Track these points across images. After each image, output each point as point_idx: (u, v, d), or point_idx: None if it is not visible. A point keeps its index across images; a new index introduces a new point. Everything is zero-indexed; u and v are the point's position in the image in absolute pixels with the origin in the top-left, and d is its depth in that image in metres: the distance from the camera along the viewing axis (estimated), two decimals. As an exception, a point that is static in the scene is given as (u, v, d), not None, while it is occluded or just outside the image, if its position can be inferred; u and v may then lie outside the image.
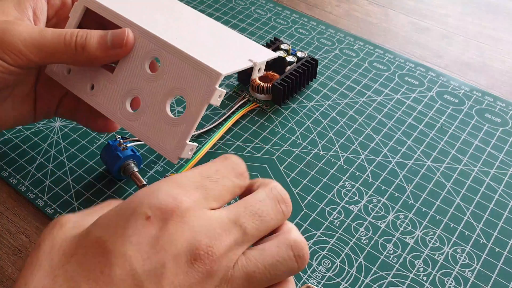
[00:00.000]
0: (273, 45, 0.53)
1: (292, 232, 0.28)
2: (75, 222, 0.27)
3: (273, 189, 0.29)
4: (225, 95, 0.46)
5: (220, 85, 0.34)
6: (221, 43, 0.41)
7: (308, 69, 0.51)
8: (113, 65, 0.40)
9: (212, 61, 0.35)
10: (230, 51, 0.40)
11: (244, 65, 0.39)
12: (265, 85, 0.51)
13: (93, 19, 0.40)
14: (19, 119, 0.41)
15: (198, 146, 0.35)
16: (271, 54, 0.43)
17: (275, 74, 0.52)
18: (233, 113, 0.50)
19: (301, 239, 0.28)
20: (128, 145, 0.43)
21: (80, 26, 0.40)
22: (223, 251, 0.25)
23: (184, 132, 0.35)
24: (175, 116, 0.35)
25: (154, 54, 0.36)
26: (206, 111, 0.47)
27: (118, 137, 0.44)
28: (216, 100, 0.34)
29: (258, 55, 0.41)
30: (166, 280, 0.24)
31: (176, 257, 0.24)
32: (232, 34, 0.43)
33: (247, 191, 0.29)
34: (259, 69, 0.41)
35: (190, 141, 0.35)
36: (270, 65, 0.53)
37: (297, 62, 0.52)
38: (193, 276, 0.24)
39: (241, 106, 0.51)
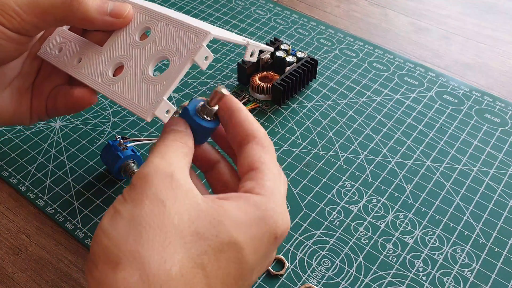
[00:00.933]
0: (273, 45, 0.53)
1: None
2: (172, 176, 0.28)
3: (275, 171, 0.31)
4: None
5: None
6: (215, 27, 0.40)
7: (308, 69, 0.52)
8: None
9: (203, 26, 0.34)
10: (224, 31, 0.39)
11: (237, 39, 0.37)
12: (265, 85, 0.51)
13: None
14: (16, 115, 0.40)
15: (176, 110, 0.33)
16: (265, 47, 0.41)
17: (275, 74, 0.52)
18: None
19: None
20: (128, 145, 0.43)
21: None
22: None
23: (163, 89, 0.33)
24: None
25: (146, 25, 0.36)
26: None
27: (118, 137, 0.44)
28: (202, 62, 0.33)
29: (248, 39, 0.39)
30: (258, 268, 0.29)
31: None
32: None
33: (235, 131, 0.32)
34: (251, 52, 0.39)
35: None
36: (270, 65, 0.53)
37: (297, 62, 0.52)
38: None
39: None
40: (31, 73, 0.40)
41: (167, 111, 0.33)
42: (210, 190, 0.35)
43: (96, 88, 0.36)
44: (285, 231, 0.29)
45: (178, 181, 0.27)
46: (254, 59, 0.38)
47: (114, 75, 0.36)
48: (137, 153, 0.44)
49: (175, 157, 0.29)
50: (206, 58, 0.33)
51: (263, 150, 0.31)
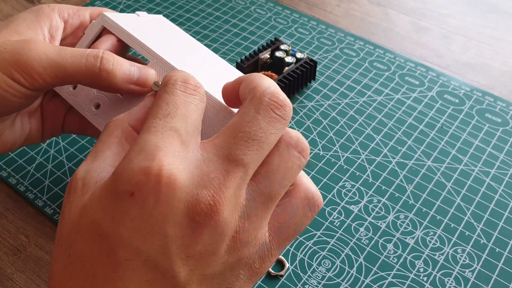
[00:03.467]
0: (273, 45, 0.53)
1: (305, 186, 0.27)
2: (83, 181, 0.26)
3: (262, 96, 0.25)
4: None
5: None
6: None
7: (306, 71, 0.51)
8: None
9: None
10: None
11: None
12: None
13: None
14: (27, 139, 0.40)
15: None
16: None
17: (274, 74, 0.52)
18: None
19: (317, 195, 0.28)
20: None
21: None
22: (225, 196, 0.23)
23: None
24: None
25: None
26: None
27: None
28: None
29: None
30: (173, 247, 0.23)
31: (175, 222, 0.23)
32: (231, 68, 0.43)
33: (232, 95, 0.28)
34: None
35: None
36: (269, 65, 0.53)
37: (296, 63, 0.52)
38: (203, 231, 0.23)
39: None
40: (38, 98, 0.40)
41: None
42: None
43: None
44: (136, 179, 0.23)
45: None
46: None
47: None
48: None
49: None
50: None
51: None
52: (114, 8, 0.63)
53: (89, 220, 0.24)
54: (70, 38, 0.39)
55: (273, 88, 0.26)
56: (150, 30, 0.41)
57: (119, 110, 0.37)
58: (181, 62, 0.37)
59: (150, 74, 0.36)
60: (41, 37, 0.36)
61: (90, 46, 0.39)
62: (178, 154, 0.24)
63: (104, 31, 0.39)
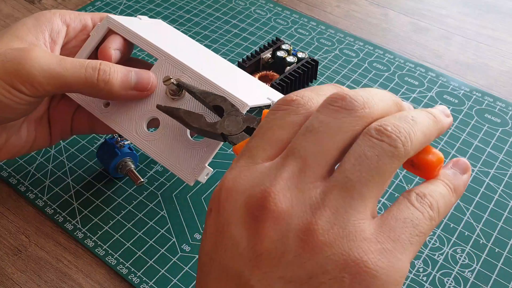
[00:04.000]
0: (274, 45, 0.53)
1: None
2: None
3: (324, 101, 0.24)
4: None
5: None
6: (237, 78, 0.42)
7: (308, 70, 0.51)
8: None
9: (237, 92, 0.36)
10: (247, 86, 0.41)
11: (263, 101, 0.39)
12: None
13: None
14: (35, 144, 0.40)
15: (213, 171, 0.36)
16: (280, 95, 0.43)
17: (275, 74, 0.52)
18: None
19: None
20: (125, 142, 0.43)
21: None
22: (280, 186, 0.22)
23: (204, 156, 0.36)
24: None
25: (180, 80, 0.37)
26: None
27: (115, 135, 0.44)
28: None
29: (272, 94, 0.41)
30: (240, 248, 0.22)
31: (238, 222, 0.23)
32: (243, 73, 0.44)
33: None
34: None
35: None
36: (271, 64, 0.53)
37: (297, 62, 0.52)
38: (263, 227, 0.22)
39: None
40: (44, 104, 0.40)
41: (207, 174, 0.36)
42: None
43: (132, 141, 0.37)
44: (220, 188, 0.24)
45: None
46: None
47: (147, 127, 0.37)
48: (134, 151, 0.43)
49: None
50: None
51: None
52: (114, 8, 0.63)
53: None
54: (73, 42, 0.40)
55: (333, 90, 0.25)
56: (154, 31, 0.42)
57: (129, 107, 0.38)
58: (188, 58, 0.38)
59: (150, 77, 0.37)
60: (42, 41, 0.37)
61: (96, 47, 0.40)
62: (245, 163, 0.24)
63: (108, 33, 0.39)
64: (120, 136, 0.43)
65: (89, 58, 0.40)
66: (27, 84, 0.34)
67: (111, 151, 0.43)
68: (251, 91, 0.40)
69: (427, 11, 0.65)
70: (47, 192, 0.43)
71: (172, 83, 0.35)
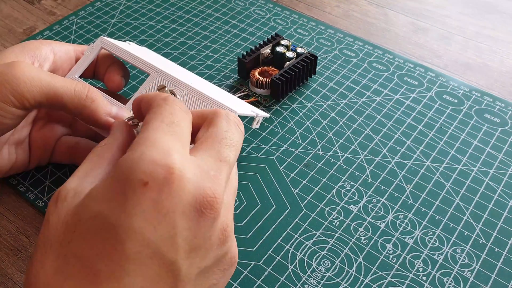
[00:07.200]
0: (273, 40, 0.54)
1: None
2: (75, 190, 0.26)
3: (227, 116, 0.31)
4: (226, 90, 0.47)
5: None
6: (222, 94, 0.44)
7: (307, 65, 0.52)
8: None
9: (226, 102, 0.38)
10: (233, 101, 0.44)
11: (249, 113, 0.42)
12: (264, 80, 0.51)
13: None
14: (15, 166, 0.41)
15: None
16: (263, 113, 0.47)
17: (275, 69, 0.52)
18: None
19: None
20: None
21: None
22: (222, 190, 0.26)
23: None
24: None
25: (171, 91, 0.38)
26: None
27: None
28: None
29: (254, 109, 0.45)
30: (181, 237, 0.24)
31: (184, 213, 0.24)
32: (227, 92, 0.47)
33: (196, 125, 0.31)
34: (258, 121, 0.45)
35: None
36: (270, 60, 0.54)
37: (296, 57, 0.52)
38: (206, 224, 0.25)
39: (241, 99, 0.51)
40: (25, 125, 0.41)
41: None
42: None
43: None
44: (153, 169, 0.24)
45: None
46: (258, 125, 0.46)
47: None
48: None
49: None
50: None
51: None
52: (114, 8, 0.63)
53: (91, 215, 0.24)
54: (60, 71, 0.41)
55: (231, 112, 0.32)
56: (143, 53, 0.44)
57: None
58: (178, 74, 0.40)
59: (125, 115, 0.38)
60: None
61: (88, 66, 0.42)
62: (183, 151, 0.26)
63: (100, 54, 0.42)
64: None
65: (81, 76, 0.41)
66: (18, 95, 0.34)
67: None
68: (237, 104, 0.43)
69: (427, 11, 0.65)
70: (47, 193, 0.43)
71: (167, 91, 0.37)
